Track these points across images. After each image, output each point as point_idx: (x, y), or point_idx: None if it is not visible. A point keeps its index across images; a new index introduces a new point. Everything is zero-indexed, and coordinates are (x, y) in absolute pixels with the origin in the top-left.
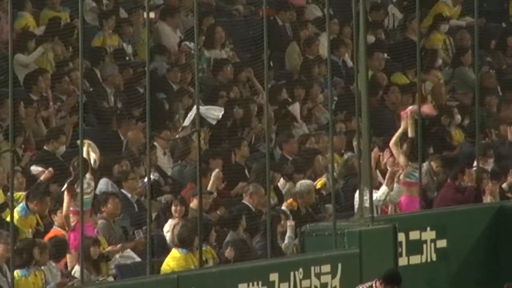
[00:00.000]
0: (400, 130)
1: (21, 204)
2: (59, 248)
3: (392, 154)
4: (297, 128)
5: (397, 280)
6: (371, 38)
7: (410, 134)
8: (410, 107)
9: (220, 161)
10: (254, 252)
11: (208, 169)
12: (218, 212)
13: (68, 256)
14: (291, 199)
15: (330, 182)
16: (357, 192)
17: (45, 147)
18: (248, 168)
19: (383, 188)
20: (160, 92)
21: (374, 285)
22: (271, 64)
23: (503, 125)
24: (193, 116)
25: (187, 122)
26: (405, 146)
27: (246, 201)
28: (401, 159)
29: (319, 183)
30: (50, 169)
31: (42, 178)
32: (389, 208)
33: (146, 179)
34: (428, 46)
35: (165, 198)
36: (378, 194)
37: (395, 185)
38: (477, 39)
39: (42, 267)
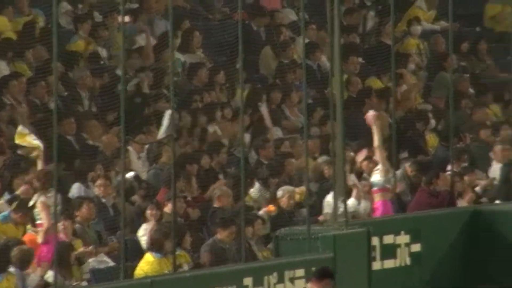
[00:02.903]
0: (375, 135)
1: (5, 213)
2: (24, 259)
3: (366, 157)
4: (272, 132)
5: (329, 273)
6: (346, 42)
7: (376, 143)
8: (370, 112)
9: (196, 165)
10: (232, 259)
11: (184, 173)
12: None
13: (39, 268)
14: (271, 205)
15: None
16: (328, 196)
17: (18, 152)
18: (223, 172)
19: (351, 201)
20: (136, 96)
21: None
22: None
23: (477, 128)
24: (168, 120)
25: (163, 127)
26: (386, 152)
27: (216, 205)
28: (385, 165)
29: (298, 194)
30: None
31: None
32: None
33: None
34: (402, 50)
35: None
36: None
37: (363, 201)
38: (452, 43)
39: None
